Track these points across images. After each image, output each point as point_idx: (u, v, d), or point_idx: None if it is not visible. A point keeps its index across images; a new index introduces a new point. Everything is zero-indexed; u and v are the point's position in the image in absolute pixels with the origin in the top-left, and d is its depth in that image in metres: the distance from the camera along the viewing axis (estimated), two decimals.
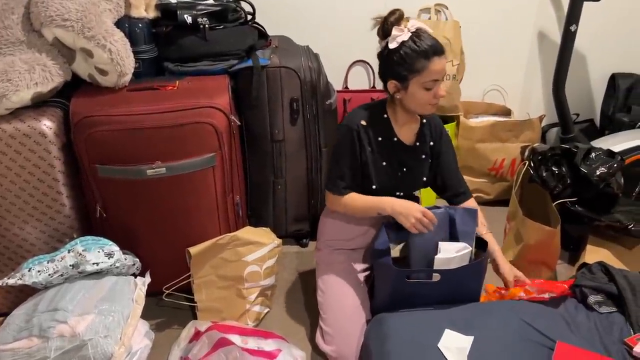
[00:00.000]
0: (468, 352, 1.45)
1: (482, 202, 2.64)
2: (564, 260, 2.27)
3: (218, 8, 1.99)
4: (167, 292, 1.89)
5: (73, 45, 1.71)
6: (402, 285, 1.61)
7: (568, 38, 2.48)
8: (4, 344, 1.50)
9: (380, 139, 1.68)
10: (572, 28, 2.44)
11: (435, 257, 1.61)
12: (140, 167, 1.72)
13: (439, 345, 1.47)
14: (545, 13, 2.70)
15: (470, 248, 1.64)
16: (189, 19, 1.93)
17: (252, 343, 1.70)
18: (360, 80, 2.70)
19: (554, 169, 2.13)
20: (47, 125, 1.67)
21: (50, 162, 1.71)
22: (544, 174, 2.13)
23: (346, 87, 2.67)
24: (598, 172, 2.04)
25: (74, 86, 1.82)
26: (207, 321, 1.81)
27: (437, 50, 1.53)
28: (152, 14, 1.95)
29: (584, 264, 1.96)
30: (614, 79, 2.78)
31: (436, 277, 1.60)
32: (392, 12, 1.55)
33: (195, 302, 1.88)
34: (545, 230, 2.01)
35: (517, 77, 2.87)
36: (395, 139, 1.70)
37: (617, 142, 2.37)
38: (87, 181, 1.77)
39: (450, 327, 1.52)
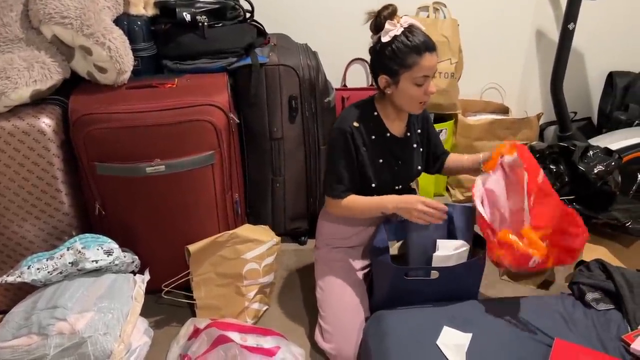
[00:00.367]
0: (466, 349, 1.46)
1: None
2: None
3: (217, 6, 1.99)
4: (166, 289, 1.89)
5: (72, 43, 1.71)
6: (400, 283, 1.61)
7: (566, 36, 2.48)
8: (3, 341, 1.50)
9: (373, 137, 1.69)
10: (570, 26, 2.45)
11: (434, 254, 1.61)
12: (139, 164, 1.72)
13: (438, 342, 1.48)
14: (543, 11, 2.71)
15: (468, 245, 1.65)
16: (187, 17, 1.93)
17: (251, 340, 1.71)
18: (358, 78, 2.70)
19: (551, 167, 2.14)
20: (46, 122, 1.67)
21: (49, 160, 1.71)
22: None
23: (345, 85, 2.67)
24: (596, 170, 2.04)
25: (73, 84, 1.81)
26: (206, 319, 1.82)
27: (428, 46, 1.54)
28: (150, 11, 1.95)
29: (582, 262, 1.97)
30: (611, 77, 2.79)
31: (435, 274, 1.61)
32: (386, 7, 1.56)
33: (194, 300, 1.88)
34: None
35: (515, 76, 2.87)
36: (388, 134, 1.71)
37: (615, 140, 2.39)
38: (86, 179, 1.77)
39: (449, 324, 1.53)
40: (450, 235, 1.69)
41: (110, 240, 1.73)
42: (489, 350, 1.47)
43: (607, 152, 2.12)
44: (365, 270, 1.86)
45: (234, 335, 1.68)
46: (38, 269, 1.62)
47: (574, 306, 1.64)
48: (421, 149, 1.80)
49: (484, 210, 1.57)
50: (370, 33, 1.62)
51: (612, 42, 2.80)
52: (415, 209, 1.56)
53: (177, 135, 1.72)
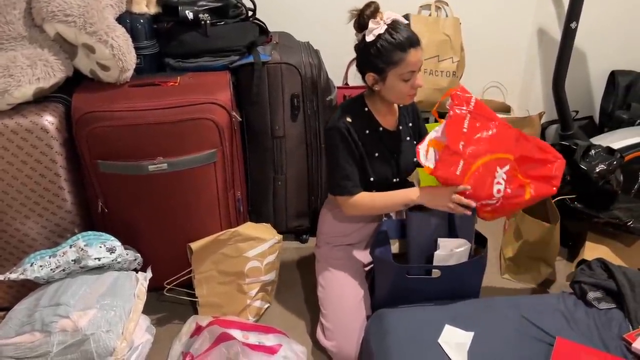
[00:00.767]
0: (468, 347, 1.46)
1: None
2: (563, 257, 2.28)
3: (219, 4, 1.99)
4: (168, 287, 1.90)
5: (75, 41, 1.71)
6: (402, 281, 1.61)
7: (568, 35, 2.48)
8: (6, 338, 1.50)
9: (367, 131, 1.69)
10: (573, 25, 2.45)
11: (435, 253, 1.62)
12: (141, 162, 1.72)
13: (439, 340, 1.48)
14: (544, 10, 2.71)
15: (470, 244, 1.65)
16: (190, 15, 1.93)
17: (253, 338, 1.71)
18: (360, 76, 2.69)
19: None
20: (49, 120, 1.68)
21: (52, 158, 1.71)
22: None
23: (346, 84, 2.67)
24: (597, 169, 2.04)
25: (76, 82, 1.82)
26: (208, 316, 1.82)
27: (413, 41, 1.55)
28: (153, 9, 1.95)
29: (583, 261, 1.97)
30: (613, 76, 2.79)
31: (436, 273, 1.61)
32: (368, 5, 1.57)
33: (196, 297, 1.89)
34: (544, 226, 2.02)
35: (517, 74, 2.87)
36: (381, 128, 1.72)
37: (617, 140, 2.38)
38: (88, 176, 1.78)
39: (451, 323, 1.53)
40: (451, 233, 1.69)
41: (112, 238, 1.73)
42: (491, 348, 1.47)
43: (609, 151, 2.12)
44: (367, 269, 1.86)
45: (236, 333, 1.68)
46: (41, 266, 1.62)
47: (575, 305, 1.64)
48: (415, 142, 1.80)
49: (425, 159, 1.58)
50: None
51: (614, 41, 2.79)
52: (446, 205, 1.57)
53: (179, 133, 1.72)
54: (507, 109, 2.77)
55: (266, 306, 2.01)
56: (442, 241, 1.64)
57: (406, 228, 1.68)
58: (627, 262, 1.97)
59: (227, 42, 1.99)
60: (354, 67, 2.65)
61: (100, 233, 1.74)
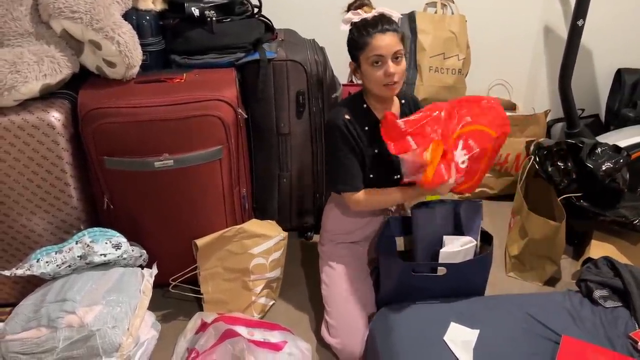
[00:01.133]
0: (474, 345, 1.46)
1: (486, 197, 2.65)
2: (569, 255, 2.28)
3: (225, 1, 1.99)
4: (174, 283, 1.90)
5: (81, 37, 1.71)
6: (408, 279, 1.61)
7: (575, 33, 2.47)
8: (13, 333, 1.51)
9: (366, 128, 1.69)
10: (580, 23, 2.44)
11: (441, 250, 1.61)
12: (147, 159, 1.72)
13: (445, 338, 1.48)
14: (551, 7, 2.70)
15: (475, 242, 1.65)
16: (196, 12, 1.93)
17: (258, 335, 1.71)
18: None
19: (559, 164, 2.13)
20: (55, 117, 1.68)
21: (58, 154, 1.72)
22: (550, 169, 2.13)
23: (352, 81, 2.67)
24: (604, 168, 2.04)
25: (82, 78, 1.82)
26: (213, 313, 1.83)
27: (378, 26, 1.57)
28: (159, 6, 1.95)
29: (589, 259, 1.97)
30: (620, 74, 2.78)
31: (442, 270, 1.61)
32: (355, 0, 1.63)
33: (202, 294, 1.89)
34: (550, 225, 2.02)
35: (523, 72, 2.87)
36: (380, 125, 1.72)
37: (623, 138, 2.38)
38: (94, 173, 1.78)
39: (456, 321, 1.54)
40: (457, 231, 1.69)
41: (118, 234, 1.73)
42: (497, 346, 1.47)
43: (615, 149, 2.12)
44: (372, 266, 1.86)
45: (241, 330, 1.69)
46: (47, 262, 1.63)
47: (581, 303, 1.64)
48: None
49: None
50: None
51: (620, 39, 2.78)
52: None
53: (185, 130, 1.72)
54: (512, 107, 2.77)
55: (271, 303, 2.01)
56: (447, 238, 1.64)
57: (412, 225, 1.68)
58: (633, 260, 1.97)
59: (233, 39, 1.99)
60: None
61: (106, 229, 1.74)
